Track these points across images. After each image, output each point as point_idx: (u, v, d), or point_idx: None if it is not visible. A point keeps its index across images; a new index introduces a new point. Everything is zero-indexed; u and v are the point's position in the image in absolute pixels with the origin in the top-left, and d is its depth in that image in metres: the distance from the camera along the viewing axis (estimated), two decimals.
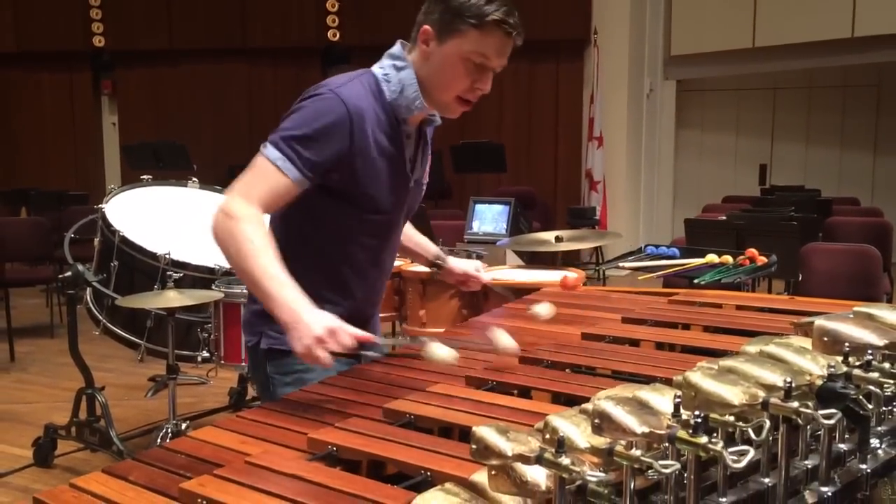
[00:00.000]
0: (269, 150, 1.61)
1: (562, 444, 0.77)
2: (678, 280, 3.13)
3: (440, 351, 1.62)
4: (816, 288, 4.43)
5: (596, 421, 0.81)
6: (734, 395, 0.90)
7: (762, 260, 2.99)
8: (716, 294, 2.37)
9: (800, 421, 0.92)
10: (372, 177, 1.69)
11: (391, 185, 1.74)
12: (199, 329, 3.51)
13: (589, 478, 0.75)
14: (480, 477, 0.92)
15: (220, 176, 7.57)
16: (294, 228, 1.74)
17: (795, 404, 0.90)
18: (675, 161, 9.69)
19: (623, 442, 0.82)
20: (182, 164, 7.28)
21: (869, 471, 1.06)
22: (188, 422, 3.50)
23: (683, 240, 4.82)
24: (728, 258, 2.99)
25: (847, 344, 1.11)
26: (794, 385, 0.92)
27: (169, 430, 3.30)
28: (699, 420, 0.79)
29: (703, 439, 0.78)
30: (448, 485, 0.91)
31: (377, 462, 1.20)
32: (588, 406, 0.89)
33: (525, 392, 1.52)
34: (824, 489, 1.01)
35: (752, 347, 1.19)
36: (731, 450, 0.79)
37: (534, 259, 4.08)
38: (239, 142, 9.47)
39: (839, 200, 7.49)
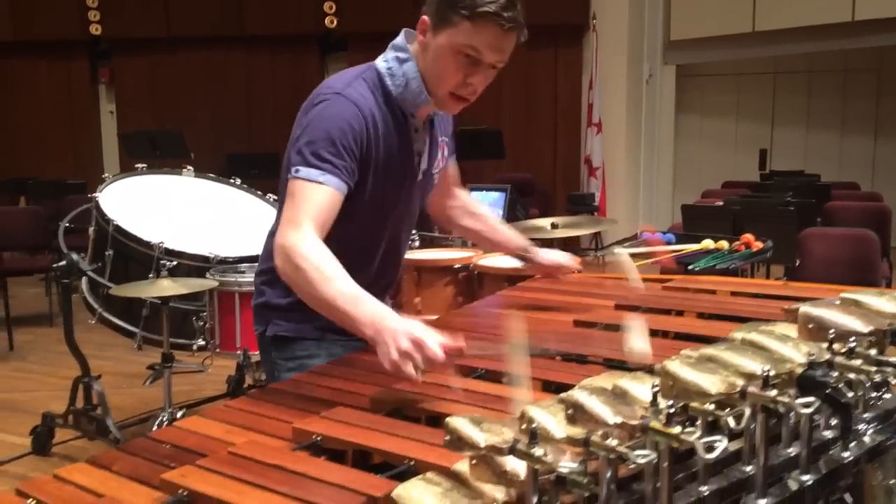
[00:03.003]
0: (302, 171, 1.56)
1: (535, 435, 0.76)
2: (675, 266, 3.12)
3: (639, 344, 1.46)
4: (814, 273, 4.42)
5: (570, 411, 0.81)
6: (712, 383, 0.89)
7: (758, 245, 2.97)
8: (710, 280, 2.36)
9: (779, 409, 0.91)
10: (381, 174, 1.67)
11: (399, 181, 1.74)
12: (195, 318, 3.51)
13: (561, 468, 0.75)
14: (462, 466, 0.92)
15: (217, 163, 7.57)
16: None
17: (773, 393, 0.89)
18: (674, 146, 9.65)
19: (599, 432, 0.82)
20: (179, 152, 7.25)
21: (851, 458, 1.06)
22: (184, 409, 3.51)
23: (681, 225, 4.82)
24: (724, 244, 2.98)
25: (832, 331, 1.10)
26: (773, 373, 0.92)
27: (165, 419, 3.31)
28: (672, 410, 0.79)
29: (676, 429, 0.78)
30: (429, 474, 0.90)
31: (362, 451, 1.20)
32: (566, 395, 0.88)
33: None
34: (804, 477, 1.00)
35: (738, 334, 1.18)
36: (705, 439, 0.79)
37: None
38: (237, 129, 9.43)
39: (838, 185, 7.46)
